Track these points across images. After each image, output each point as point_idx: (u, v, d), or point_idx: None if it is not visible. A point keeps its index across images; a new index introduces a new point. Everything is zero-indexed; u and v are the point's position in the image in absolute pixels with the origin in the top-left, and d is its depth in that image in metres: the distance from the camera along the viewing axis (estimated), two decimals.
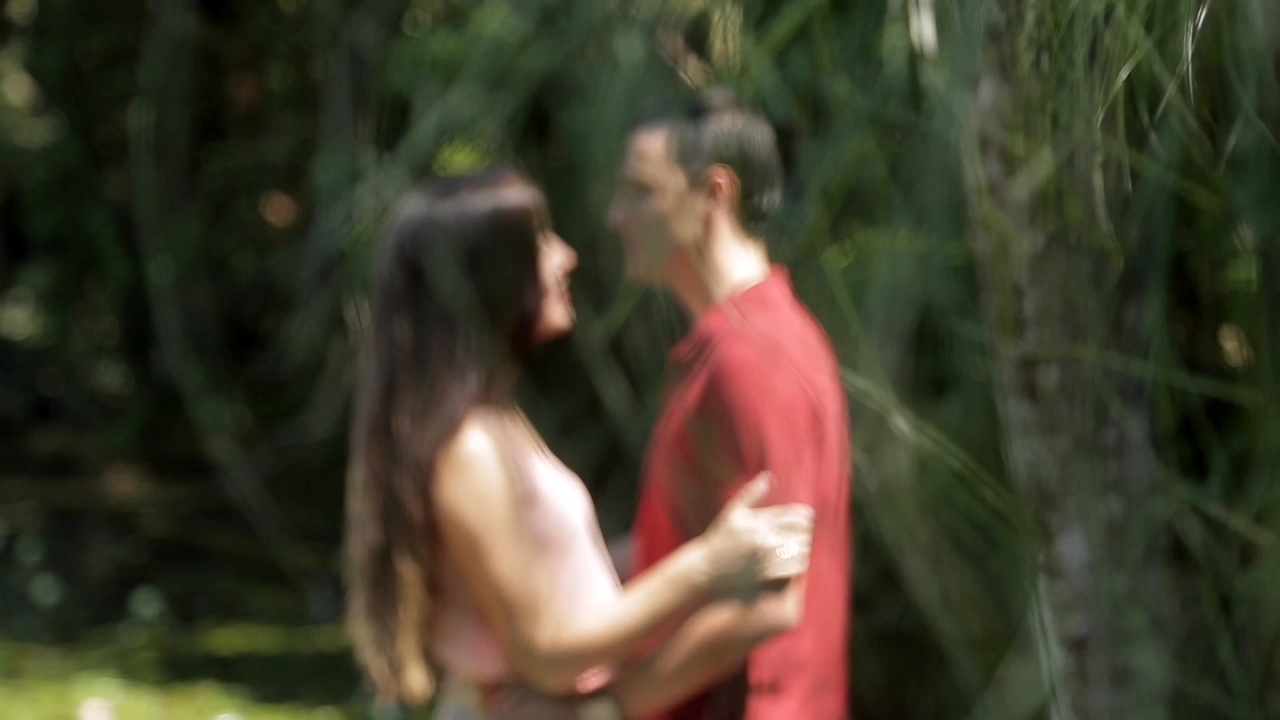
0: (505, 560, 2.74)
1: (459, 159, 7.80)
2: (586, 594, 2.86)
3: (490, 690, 2.84)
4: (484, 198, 2.83)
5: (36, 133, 15.01)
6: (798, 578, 2.73)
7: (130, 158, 14.15)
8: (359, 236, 11.37)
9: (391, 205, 2.94)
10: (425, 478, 2.75)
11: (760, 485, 2.75)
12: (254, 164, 13.36)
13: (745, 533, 2.74)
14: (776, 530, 2.73)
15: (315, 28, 11.79)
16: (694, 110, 2.91)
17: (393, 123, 10.43)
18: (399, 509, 2.77)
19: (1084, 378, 3.96)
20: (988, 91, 3.93)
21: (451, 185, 2.87)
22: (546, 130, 8.56)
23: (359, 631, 2.85)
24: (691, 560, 2.76)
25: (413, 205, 2.86)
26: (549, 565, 2.81)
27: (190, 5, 12.94)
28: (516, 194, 2.85)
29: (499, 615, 2.76)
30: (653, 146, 2.90)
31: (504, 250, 2.81)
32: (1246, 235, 4.09)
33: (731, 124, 2.90)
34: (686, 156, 2.88)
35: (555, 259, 2.88)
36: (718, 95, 2.97)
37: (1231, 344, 4.21)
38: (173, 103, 13.70)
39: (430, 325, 2.79)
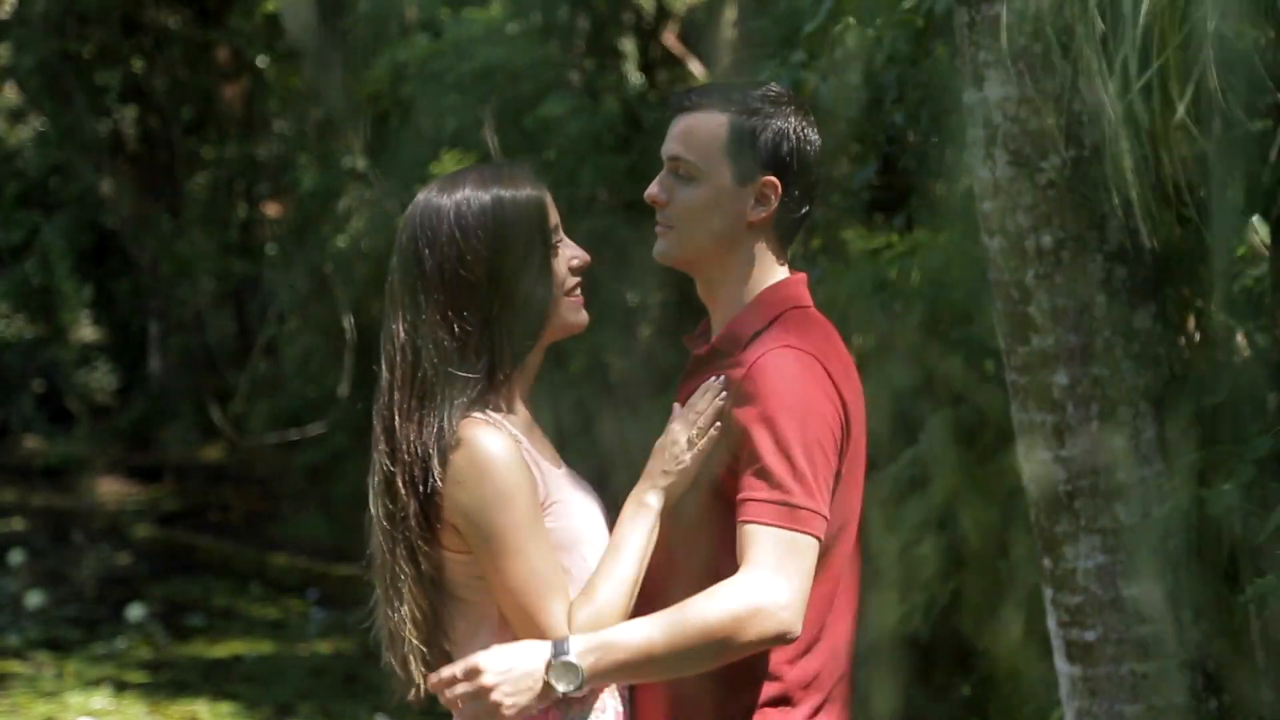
0: (524, 561, 2.70)
1: (452, 161, 7.76)
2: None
3: None
4: (489, 189, 2.79)
5: (17, 134, 14.99)
6: (804, 592, 2.66)
7: (117, 159, 14.12)
8: (348, 238, 11.34)
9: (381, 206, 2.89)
10: (423, 476, 2.71)
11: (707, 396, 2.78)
12: (244, 165, 13.35)
13: (671, 445, 2.78)
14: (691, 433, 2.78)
15: (294, 29, 11.77)
16: (755, 104, 2.82)
17: (379, 125, 10.42)
18: (398, 508, 2.74)
19: (1094, 381, 3.92)
20: (995, 87, 3.88)
21: (459, 177, 2.82)
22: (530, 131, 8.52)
23: (379, 622, 2.84)
24: (637, 492, 2.80)
25: (420, 198, 2.82)
26: (563, 564, 2.77)
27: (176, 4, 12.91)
28: (524, 187, 2.80)
29: (516, 617, 2.72)
30: (707, 133, 2.81)
31: (506, 241, 2.76)
32: (1259, 234, 4.05)
33: (790, 129, 2.81)
34: (741, 155, 2.80)
35: (568, 257, 2.83)
36: (778, 90, 2.86)
37: (1243, 343, 4.17)
38: (160, 104, 13.70)
39: (427, 320, 2.75)
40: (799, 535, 2.65)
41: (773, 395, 2.70)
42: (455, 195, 2.78)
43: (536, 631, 2.70)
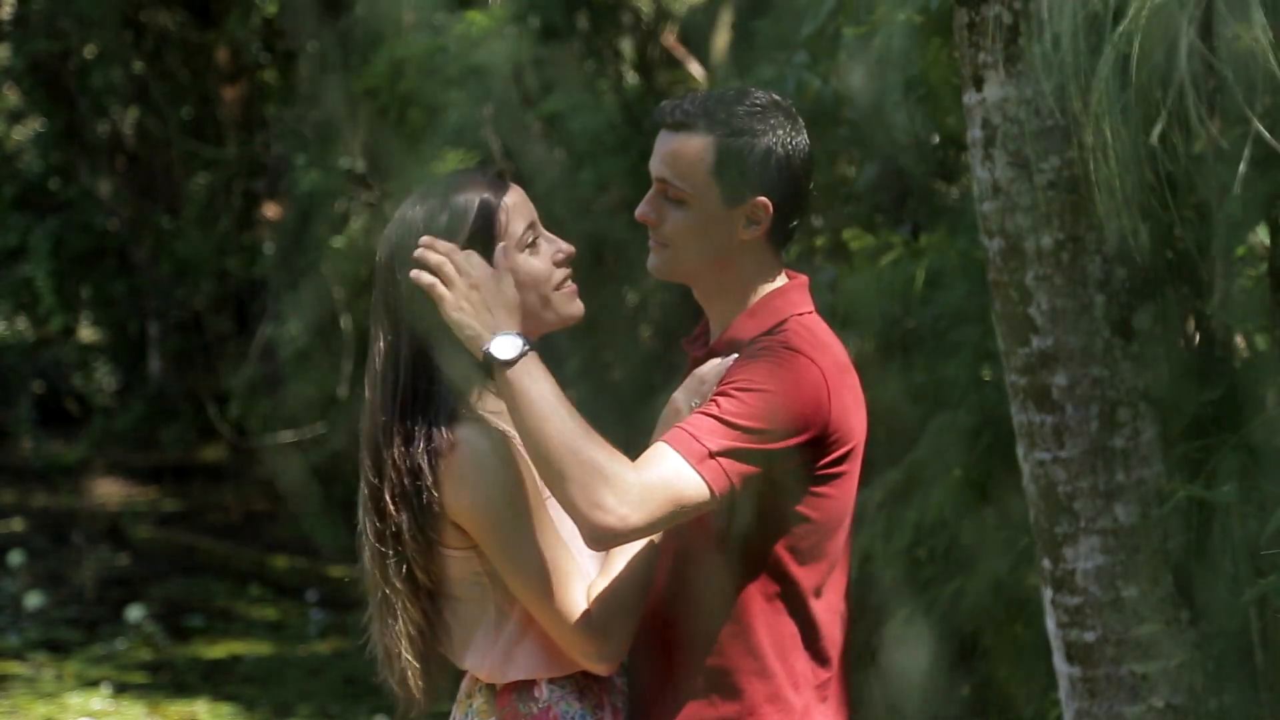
0: (537, 547, 2.71)
1: (453, 161, 7.76)
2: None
3: (502, 694, 2.80)
4: (451, 197, 2.78)
5: (15, 136, 14.99)
6: (651, 526, 2.63)
7: (116, 160, 14.11)
8: (346, 239, 11.34)
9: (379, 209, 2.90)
10: (414, 490, 2.72)
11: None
12: (242, 166, 13.34)
13: (674, 416, 2.77)
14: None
15: (293, 31, 11.77)
16: (740, 123, 2.77)
17: (377, 125, 10.42)
18: (387, 526, 2.75)
19: (1094, 382, 3.92)
20: (995, 88, 3.88)
21: (431, 187, 2.83)
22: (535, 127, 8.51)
23: (375, 641, 2.84)
24: None
25: (398, 210, 2.83)
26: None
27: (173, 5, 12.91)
28: (474, 192, 2.79)
29: (536, 605, 2.72)
30: (693, 157, 2.78)
31: (475, 248, 2.75)
32: (1257, 234, 4.05)
33: (778, 143, 2.78)
34: (729, 179, 2.77)
35: (551, 253, 2.83)
36: (763, 101, 2.81)
37: (1242, 344, 4.17)
38: (159, 105, 13.70)
39: (405, 341, 2.76)
40: (696, 478, 2.63)
41: (754, 375, 2.69)
42: (424, 207, 2.79)
43: (557, 615, 2.71)
